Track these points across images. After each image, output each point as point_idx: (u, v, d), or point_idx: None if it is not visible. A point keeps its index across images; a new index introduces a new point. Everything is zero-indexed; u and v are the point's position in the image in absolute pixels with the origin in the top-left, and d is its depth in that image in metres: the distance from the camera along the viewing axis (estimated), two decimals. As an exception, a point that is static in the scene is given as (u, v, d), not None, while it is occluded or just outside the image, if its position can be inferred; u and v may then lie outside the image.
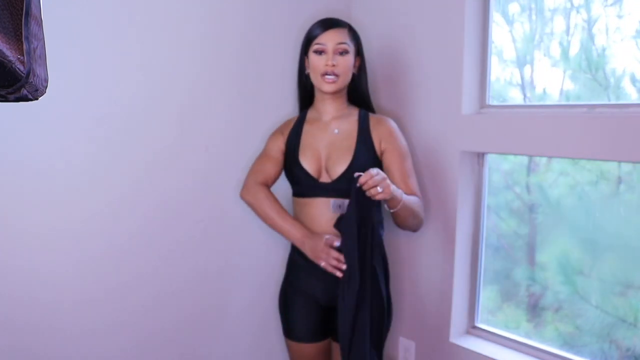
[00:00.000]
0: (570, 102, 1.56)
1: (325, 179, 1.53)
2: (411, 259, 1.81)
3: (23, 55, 0.54)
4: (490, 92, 1.68)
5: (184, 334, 1.64)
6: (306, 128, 1.60)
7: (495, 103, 1.68)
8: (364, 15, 1.88)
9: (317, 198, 1.51)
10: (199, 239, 1.64)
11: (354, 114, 1.59)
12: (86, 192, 1.42)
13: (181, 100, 1.56)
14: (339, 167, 1.50)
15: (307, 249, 1.51)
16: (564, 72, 1.57)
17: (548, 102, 1.63)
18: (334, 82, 1.50)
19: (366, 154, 1.51)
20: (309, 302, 1.59)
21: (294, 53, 1.78)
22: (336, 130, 1.55)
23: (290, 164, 1.57)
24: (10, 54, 0.53)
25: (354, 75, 1.58)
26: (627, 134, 1.29)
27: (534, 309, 1.71)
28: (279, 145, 1.62)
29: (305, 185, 1.54)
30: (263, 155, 1.64)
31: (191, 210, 1.61)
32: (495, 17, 1.68)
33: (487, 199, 1.72)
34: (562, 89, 1.59)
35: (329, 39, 1.50)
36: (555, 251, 1.63)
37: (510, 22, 1.67)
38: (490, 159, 1.73)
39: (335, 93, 1.54)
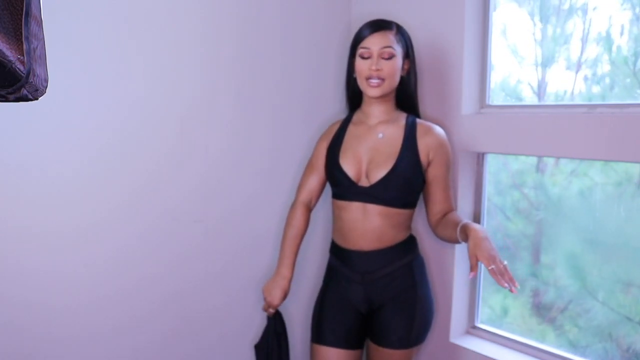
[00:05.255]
0: (571, 103, 1.56)
1: (364, 183, 1.50)
2: (411, 259, 1.81)
3: (23, 55, 0.54)
4: (490, 92, 1.68)
5: (188, 337, 1.64)
6: (351, 129, 1.58)
7: (495, 103, 1.68)
8: (363, 14, 1.88)
9: (354, 202, 1.50)
10: (202, 241, 1.64)
11: (401, 119, 1.54)
12: (87, 195, 1.42)
13: (182, 102, 1.56)
14: (379, 172, 1.47)
15: (269, 282, 1.64)
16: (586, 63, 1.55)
17: (548, 102, 1.63)
18: (378, 85, 1.47)
19: (409, 162, 1.48)
20: (347, 307, 1.57)
21: (292, 53, 1.77)
22: (380, 135, 1.52)
23: (331, 166, 1.56)
24: (10, 54, 0.53)
25: (402, 78, 1.53)
26: (627, 134, 1.29)
27: (539, 309, 1.71)
28: (324, 152, 1.62)
29: (343, 188, 1.52)
30: (309, 165, 1.66)
31: (193, 212, 1.61)
32: (514, 16, 1.67)
33: (495, 199, 1.72)
34: (572, 90, 1.58)
35: (374, 43, 1.47)
36: (563, 251, 1.63)
37: (533, 22, 1.66)
38: (500, 159, 1.73)
39: (381, 97, 1.51)
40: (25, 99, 0.58)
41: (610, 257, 1.54)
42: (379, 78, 1.46)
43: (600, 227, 1.56)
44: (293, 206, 1.67)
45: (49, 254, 1.37)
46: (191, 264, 1.63)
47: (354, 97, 1.63)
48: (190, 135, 1.59)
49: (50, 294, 1.38)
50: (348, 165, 1.51)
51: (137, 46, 1.46)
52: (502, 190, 1.78)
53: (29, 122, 1.30)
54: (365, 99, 1.57)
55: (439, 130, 1.53)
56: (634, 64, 1.44)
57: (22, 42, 0.54)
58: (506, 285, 1.24)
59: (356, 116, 1.61)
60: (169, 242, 1.57)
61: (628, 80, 1.47)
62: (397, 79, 1.50)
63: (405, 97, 1.57)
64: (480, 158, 1.70)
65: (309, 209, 1.67)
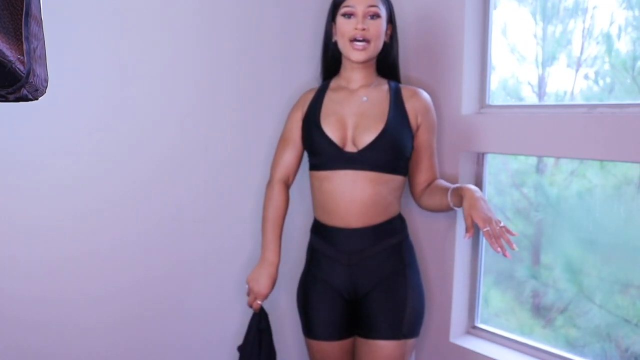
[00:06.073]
0: (571, 103, 1.56)
1: (350, 149, 1.40)
2: (411, 259, 1.81)
3: (23, 55, 0.54)
4: (490, 92, 1.68)
5: (188, 337, 1.64)
6: (329, 95, 1.49)
7: (495, 103, 1.68)
8: None
9: (340, 170, 1.39)
10: (201, 240, 1.64)
11: (383, 83, 1.49)
12: (86, 194, 1.42)
13: (182, 101, 1.56)
14: (368, 136, 1.39)
15: (255, 270, 1.51)
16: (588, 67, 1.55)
17: (548, 102, 1.63)
18: (364, 49, 1.39)
19: (399, 124, 1.41)
20: (332, 296, 1.47)
21: (292, 52, 1.77)
22: (365, 98, 1.44)
23: (311, 132, 1.45)
24: (10, 54, 0.53)
25: (385, 44, 1.47)
26: (627, 134, 1.29)
27: (539, 310, 1.71)
28: (298, 123, 1.52)
29: (327, 156, 1.42)
30: (282, 139, 1.56)
31: (193, 212, 1.61)
32: (514, 14, 1.67)
33: (495, 199, 1.72)
34: (572, 90, 1.58)
35: (359, 1, 1.38)
36: (563, 252, 1.63)
37: (535, 21, 1.66)
38: (500, 158, 1.73)
39: (364, 62, 1.43)
40: (25, 99, 0.58)
41: (609, 258, 1.54)
42: (364, 39, 1.38)
43: (600, 227, 1.56)
44: (269, 185, 1.56)
45: (47, 252, 1.37)
46: (191, 264, 1.63)
47: (333, 64, 1.54)
48: (190, 134, 1.58)
49: (50, 290, 1.38)
50: (332, 131, 1.41)
51: (137, 46, 1.46)
52: (502, 191, 1.78)
53: (29, 122, 1.30)
54: (345, 65, 1.49)
55: (425, 94, 1.49)
56: (632, 68, 1.45)
57: (22, 42, 0.54)
58: (499, 250, 1.22)
59: (334, 82, 1.52)
60: (168, 242, 1.57)
61: (628, 81, 1.48)
62: (381, 43, 1.43)
63: (388, 64, 1.52)
64: (480, 158, 1.70)
65: (286, 186, 1.56)
